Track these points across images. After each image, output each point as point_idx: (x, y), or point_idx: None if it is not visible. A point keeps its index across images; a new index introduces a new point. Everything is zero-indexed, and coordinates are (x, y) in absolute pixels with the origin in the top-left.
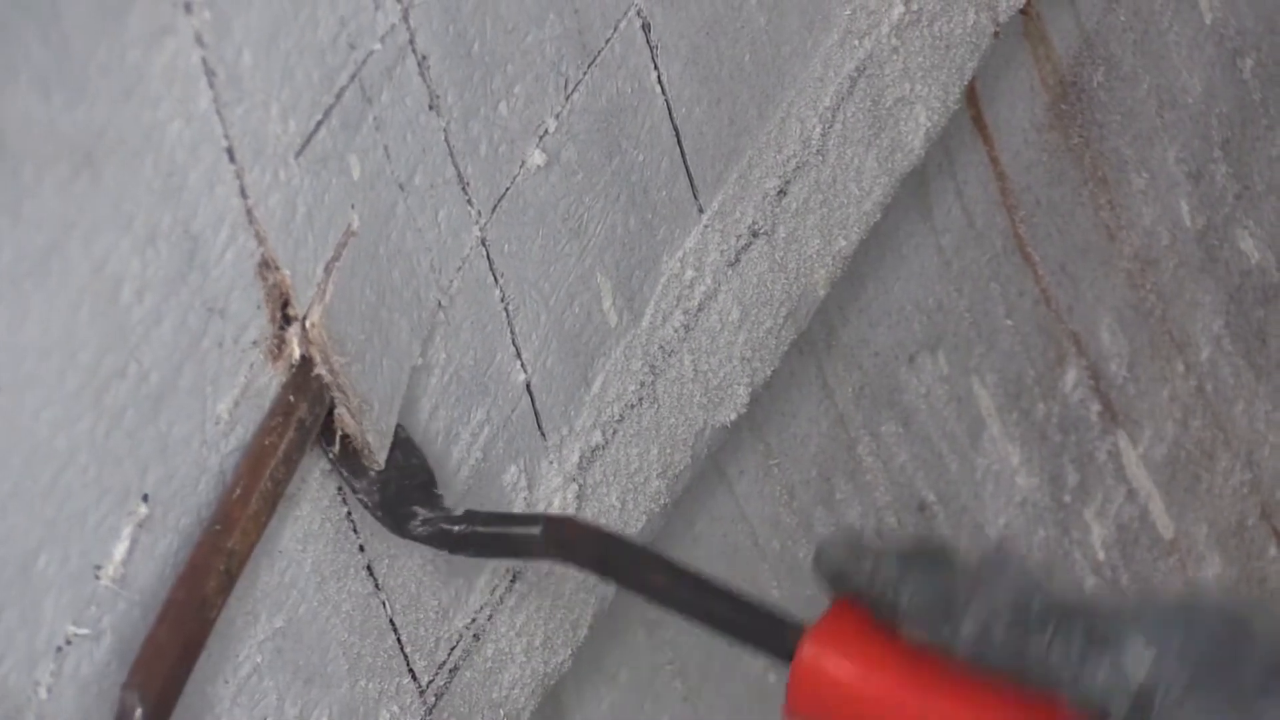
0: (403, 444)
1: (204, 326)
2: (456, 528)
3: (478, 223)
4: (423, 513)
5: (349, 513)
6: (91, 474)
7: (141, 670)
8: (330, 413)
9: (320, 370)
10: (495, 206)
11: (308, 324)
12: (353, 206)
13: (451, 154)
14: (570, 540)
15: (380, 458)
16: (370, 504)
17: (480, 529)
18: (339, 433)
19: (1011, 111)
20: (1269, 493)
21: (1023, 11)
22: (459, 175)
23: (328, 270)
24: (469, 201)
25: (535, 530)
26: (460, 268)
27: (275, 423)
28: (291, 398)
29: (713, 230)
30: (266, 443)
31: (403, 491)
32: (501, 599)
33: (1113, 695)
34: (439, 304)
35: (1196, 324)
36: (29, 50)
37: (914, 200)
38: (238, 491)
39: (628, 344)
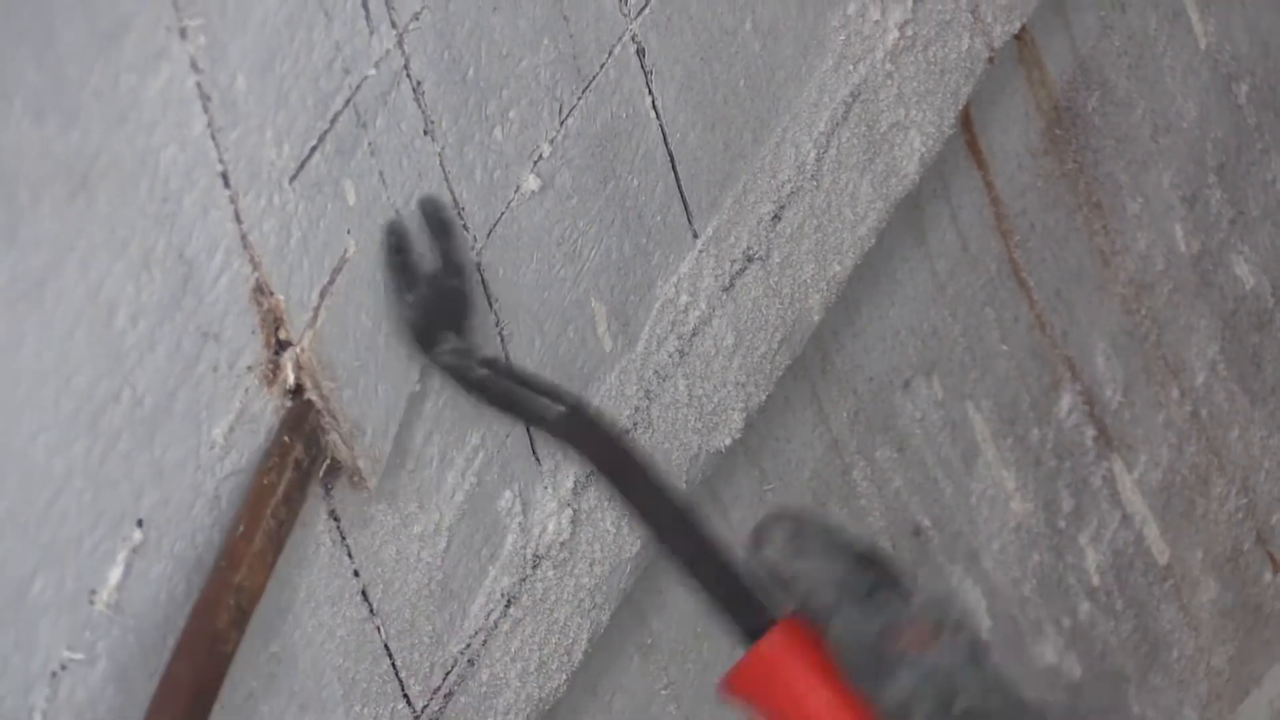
0: (456, 268)
1: (198, 351)
2: (476, 371)
3: (474, 248)
4: (453, 341)
5: (343, 538)
6: (87, 498)
7: (159, 705)
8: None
9: (311, 396)
10: (490, 231)
11: (298, 349)
12: (349, 232)
13: (447, 179)
14: (582, 437)
15: (372, 483)
16: (402, 318)
17: (503, 380)
18: (328, 459)
19: (1006, 136)
20: (1264, 518)
21: (1017, 37)
22: (455, 200)
23: (322, 295)
24: (465, 226)
25: (558, 406)
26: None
27: (272, 463)
28: (286, 438)
29: (707, 255)
30: (265, 482)
31: (438, 315)
32: (496, 624)
33: None
34: None
35: (1191, 349)
36: (24, 74)
37: (908, 225)
38: (241, 528)
39: (622, 369)
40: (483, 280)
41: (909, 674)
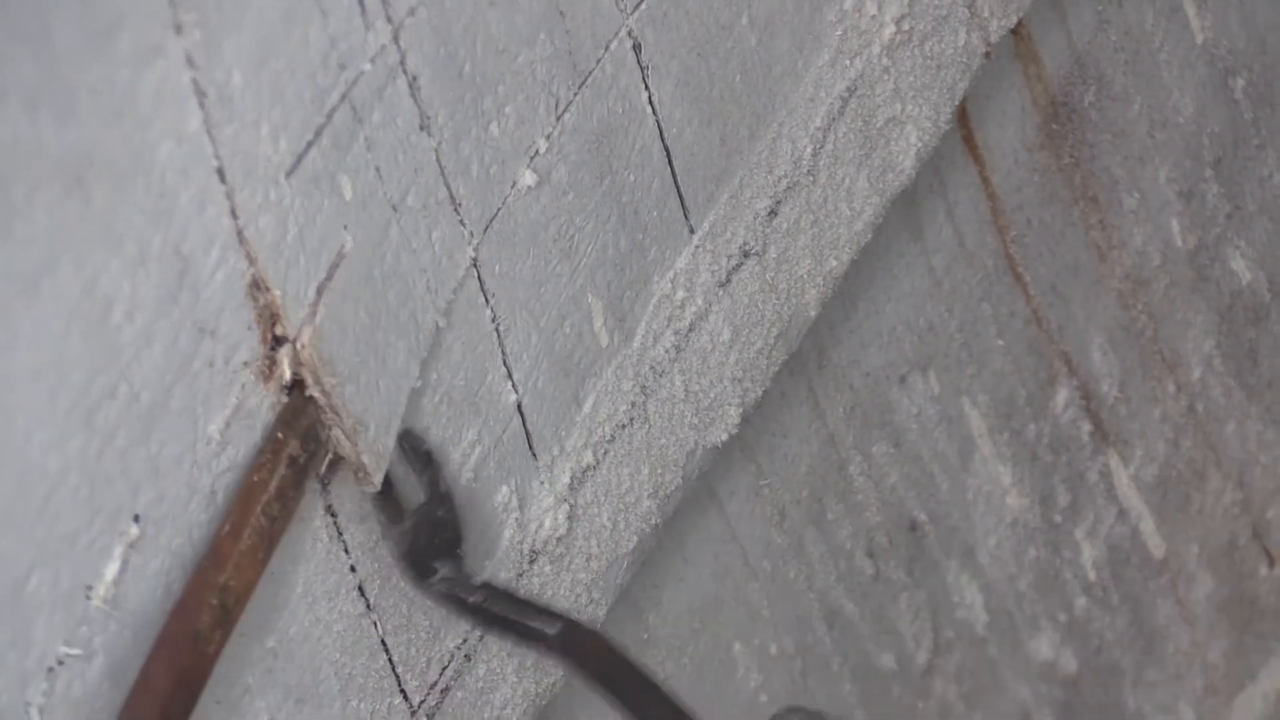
0: (441, 497)
1: (195, 347)
2: (471, 598)
3: (471, 243)
4: (444, 570)
5: (339, 533)
6: (83, 495)
7: (133, 705)
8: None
9: (313, 392)
10: (487, 227)
11: (298, 345)
12: (345, 227)
13: (444, 174)
14: (582, 651)
15: (377, 479)
16: (395, 552)
17: (495, 608)
18: (329, 454)
19: (1002, 131)
20: (1260, 512)
21: (1014, 32)
22: (451, 196)
23: (319, 291)
24: (461, 222)
25: (551, 630)
26: (457, 289)
27: (264, 460)
28: (280, 435)
29: (704, 251)
30: (256, 479)
31: (430, 545)
32: None
33: None
34: (437, 326)
35: (1188, 344)
36: (19, 70)
37: (905, 220)
38: (227, 527)
39: (619, 364)
40: (478, 276)
41: None
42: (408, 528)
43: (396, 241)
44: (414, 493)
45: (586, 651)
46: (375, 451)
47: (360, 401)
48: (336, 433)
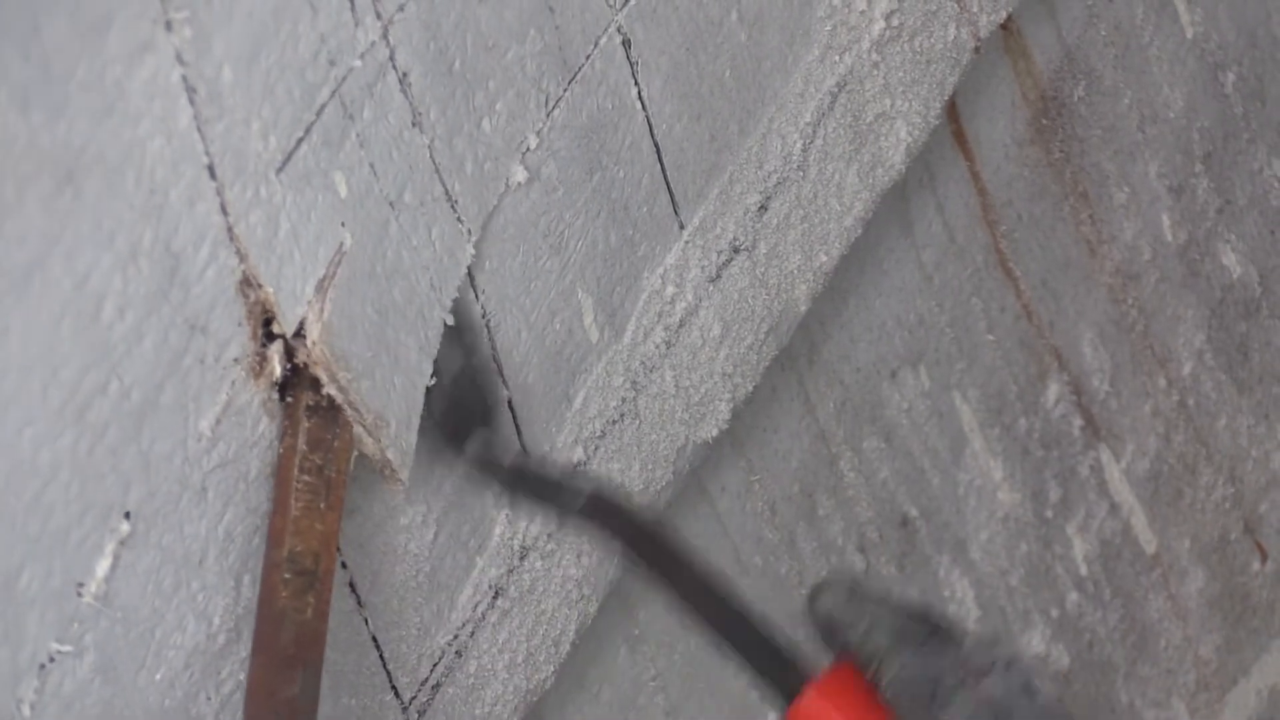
0: (478, 364)
1: (185, 343)
2: (509, 460)
3: (470, 240)
4: (483, 435)
5: None
6: (74, 491)
7: (257, 679)
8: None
9: (329, 389)
10: (485, 224)
11: (309, 342)
12: (343, 224)
13: (438, 171)
14: (612, 517)
15: (404, 475)
16: (434, 410)
17: (533, 469)
18: (354, 453)
19: (992, 126)
20: (1251, 507)
21: (1003, 26)
22: (447, 193)
23: (320, 288)
24: (459, 219)
25: (582, 493)
26: (461, 287)
27: (285, 427)
28: (291, 399)
29: (694, 246)
30: (282, 450)
31: (467, 409)
32: (484, 615)
33: None
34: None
35: (1178, 338)
36: (9, 67)
37: (895, 215)
38: (271, 506)
39: (609, 360)
40: (470, 273)
41: (964, 705)
42: (442, 394)
43: (397, 238)
44: (451, 360)
45: (614, 521)
46: (399, 448)
47: (378, 397)
48: (358, 430)
